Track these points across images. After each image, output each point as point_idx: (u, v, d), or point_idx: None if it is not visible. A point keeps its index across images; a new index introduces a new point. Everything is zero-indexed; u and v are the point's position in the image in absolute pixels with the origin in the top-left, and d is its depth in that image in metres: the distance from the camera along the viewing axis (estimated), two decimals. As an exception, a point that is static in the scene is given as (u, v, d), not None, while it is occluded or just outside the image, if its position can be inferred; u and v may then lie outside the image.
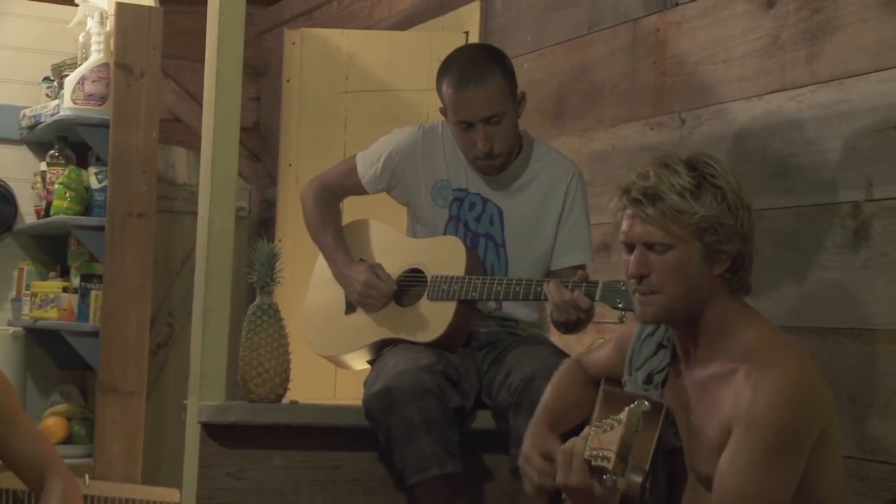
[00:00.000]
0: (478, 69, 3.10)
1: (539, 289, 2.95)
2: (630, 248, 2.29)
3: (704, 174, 2.25)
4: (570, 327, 2.97)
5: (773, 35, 3.02)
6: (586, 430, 2.22)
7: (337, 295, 3.29)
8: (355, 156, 3.35)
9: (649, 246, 2.26)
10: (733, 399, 2.20)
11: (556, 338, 3.28)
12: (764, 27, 3.05)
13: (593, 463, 2.11)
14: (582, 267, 3.09)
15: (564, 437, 2.39)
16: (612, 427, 2.14)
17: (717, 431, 2.23)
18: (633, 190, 2.27)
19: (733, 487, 2.15)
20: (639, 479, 2.24)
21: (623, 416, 2.10)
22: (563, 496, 2.29)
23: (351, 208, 3.49)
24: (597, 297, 2.84)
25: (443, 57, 3.26)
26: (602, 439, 2.14)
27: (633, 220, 2.27)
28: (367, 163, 3.31)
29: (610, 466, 2.07)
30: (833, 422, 2.26)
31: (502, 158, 3.16)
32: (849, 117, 2.80)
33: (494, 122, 3.10)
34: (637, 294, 2.30)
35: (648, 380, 2.42)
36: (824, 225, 2.84)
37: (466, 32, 4.23)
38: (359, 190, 3.34)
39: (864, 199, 2.75)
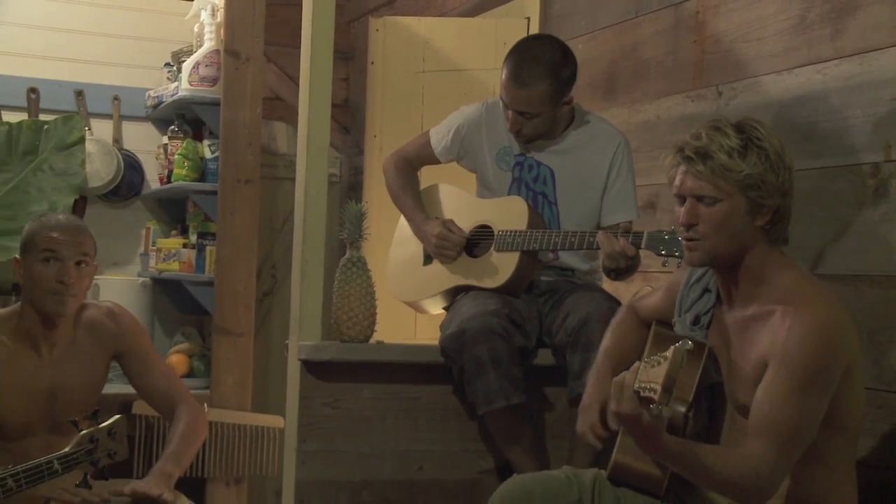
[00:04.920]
0: (531, 72, 3.02)
1: (592, 239, 2.93)
2: (682, 200, 2.27)
3: (751, 136, 2.22)
4: (619, 274, 2.94)
5: (801, 15, 2.95)
6: (636, 364, 2.20)
7: (416, 249, 3.29)
8: (429, 131, 3.34)
9: (699, 199, 2.23)
10: (769, 337, 2.17)
11: (607, 285, 3.25)
12: (793, 8, 2.98)
13: (642, 394, 2.09)
14: (629, 223, 3.06)
15: None
16: (658, 363, 2.12)
17: (753, 365, 2.20)
18: (686, 149, 2.24)
19: (768, 413, 2.12)
20: (682, 408, 2.22)
21: (669, 353, 2.09)
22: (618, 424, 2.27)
23: (428, 176, 3.47)
24: (643, 245, 2.81)
25: (507, 40, 3.23)
26: (650, 374, 2.12)
27: (686, 175, 2.24)
28: (439, 136, 3.30)
29: (656, 398, 2.05)
30: (857, 357, 2.23)
31: (528, 137, 3.13)
32: (869, 87, 2.73)
33: (527, 116, 3.07)
34: (686, 241, 2.26)
35: (695, 321, 2.39)
36: (847, 184, 2.79)
37: (528, 18, 4.17)
38: (432, 160, 3.34)
39: (883, 160, 2.69)
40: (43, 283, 2.85)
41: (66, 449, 2.67)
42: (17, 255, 2.95)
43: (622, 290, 3.29)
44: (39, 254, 2.86)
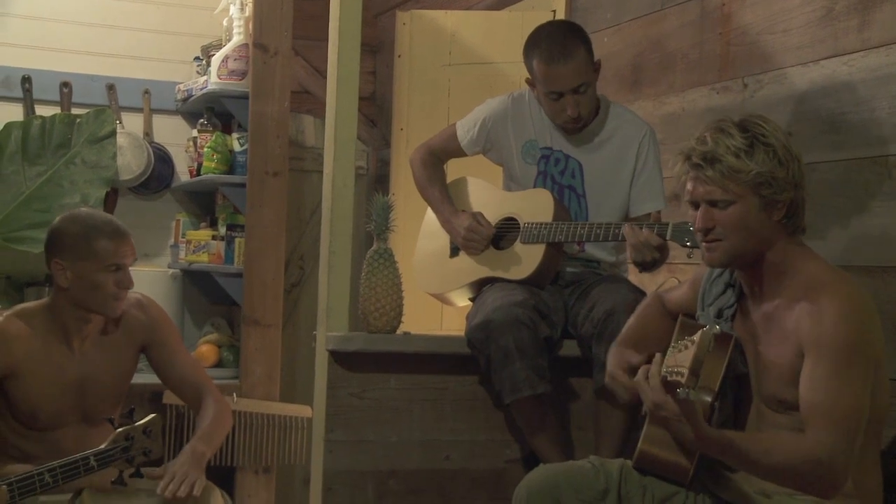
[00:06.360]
0: (564, 46, 3.03)
1: (617, 230, 2.92)
2: (696, 205, 2.25)
3: (756, 134, 2.20)
4: (646, 267, 2.92)
5: (828, 7, 2.92)
6: (658, 356, 2.19)
7: (443, 241, 3.28)
8: (455, 124, 3.33)
9: (712, 203, 2.22)
10: (797, 324, 2.16)
11: (633, 277, 3.23)
12: (819, 0, 2.94)
13: (668, 378, 2.08)
14: (657, 213, 3.04)
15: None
16: (686, 347, 2.11)
17: (787, 355, 2.18)
18: (693, 155, 2.23)
19: (817, 400, 2.10)
20: (708, 398, 2.20)
21: (696, 337, 2.07)
22: (644, 413, 2.25)
23: (454, 169, 3.46)
24: (668, 237, 2.79)
25: (533, 33, 3.20)
26: (677, 358, 2.11)
27: (696, 181, 2.23)
28: (465, 129, 3.29)
29: (683, 381, 2.04)
30: (882, 346, 2.21)
31: (585, 120, 3.11)
32: (896, 79, 2.70)
33: (582, 91, 3.05)
34: (704, 243, 2.24)
35: (719, 315, 2.38)
36: (872, 176, 2.76)
37: (554, 11, 4.16)
38: (459, 153, 3.33)
39: (909, 152, 2.66)
40: (107, 289, 2.87)
41: (103, 446, 2.69)
42: (57, 258, 2.88)
43: (647, 282, 3.27)
44: (105, 265, 2.86)
